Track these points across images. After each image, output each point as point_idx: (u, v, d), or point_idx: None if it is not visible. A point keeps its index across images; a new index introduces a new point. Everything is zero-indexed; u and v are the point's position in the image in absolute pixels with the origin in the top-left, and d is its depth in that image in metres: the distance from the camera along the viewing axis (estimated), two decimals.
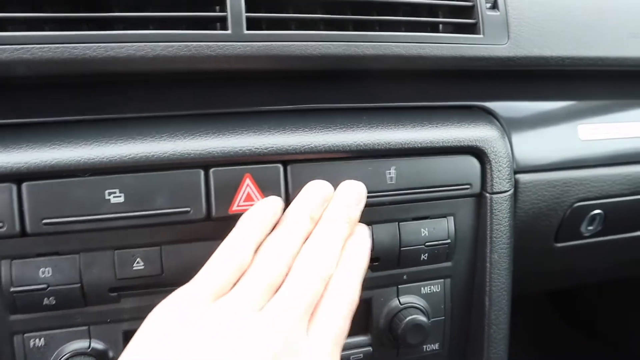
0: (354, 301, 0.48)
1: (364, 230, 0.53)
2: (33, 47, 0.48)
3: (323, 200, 0.52)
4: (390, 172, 0.56)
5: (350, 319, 0.47)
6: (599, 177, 0.70)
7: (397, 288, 0.60)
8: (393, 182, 0.57)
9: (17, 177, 0.48)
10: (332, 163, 0.55)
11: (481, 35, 0.60)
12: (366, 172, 0.56)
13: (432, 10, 0.61)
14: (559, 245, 0.73)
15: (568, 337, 1.36)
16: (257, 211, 0.50)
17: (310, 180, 0.53)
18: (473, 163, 0.60)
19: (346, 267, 0.49)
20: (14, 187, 0.48)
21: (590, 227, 0.73)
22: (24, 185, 0.48)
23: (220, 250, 0.47)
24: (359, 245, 0.51)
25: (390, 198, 0.57)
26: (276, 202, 0.51)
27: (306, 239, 0.49)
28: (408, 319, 0.59)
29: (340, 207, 0.52)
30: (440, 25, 0.61)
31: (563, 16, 0.65)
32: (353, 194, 0.53)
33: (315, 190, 0.52)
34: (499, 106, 0.66)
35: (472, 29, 0.60)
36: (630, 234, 0.77)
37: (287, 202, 0.53)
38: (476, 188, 0.60)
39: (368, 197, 0.55)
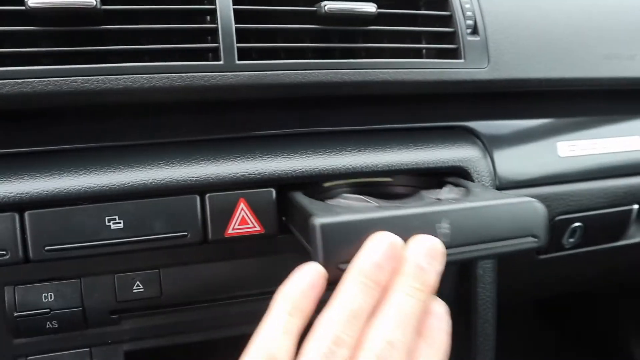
0: None
1: (442, 308, 0.43)
2: (33, 81, 0.50)
3: (390, 258, 0.41)
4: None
5: None
6: (578, 191, 0.73)
7: None
8: None
9: (20, 206, 0.50)
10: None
11: (462, 60, 0.62)
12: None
13: (415, 36, 0.64)
14: (542, 257, 0.75)
15: (557, 347, 1.38)
16: (292, 288, 0.41)
17: None
18: None
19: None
20: (17, 216, 0.50)
21: (571, 239, 0.76)
22: (27, 214, 0.50)
23: (254, 344, 0.39)
24: (439, 330, 0.42)
25: None
26: (313, 271, 0.41)
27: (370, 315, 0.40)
28: None
29: (414, 270, 0.41)
30: (424, 51, 0.64)
31: (541, 40, 0.68)
32: (428, 251, 0.42)
33: (381, 246, 0.41)
34: (481, 125, 0.69)
35: (453, 53, 0.63)
36: (609, 244, 0.80)
37: (280, 224, 0.55)
38: None
39: None
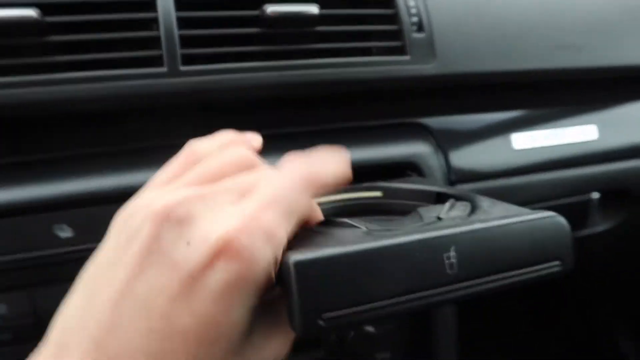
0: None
1: None
2: None
3: None
4: None
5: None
6: (535, 182, 0.74)
7: None
8: None
9: None
10: None
11: (408, 57, 0.63)
12: None
13: (364, 35, 0.65)
14: None
15: (537, 339, 1.39)
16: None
17: None
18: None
19: None
20: None
21: None
22: None
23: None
24: None
25: None
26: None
27: None
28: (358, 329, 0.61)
29: None
30: (374, 50, 0.65)
31: (489, 33, 0.69)
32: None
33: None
34: (433, 121, 0.70)
35: (399, 51, 0.64)
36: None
37: None
38: None
39: None
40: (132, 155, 0.56)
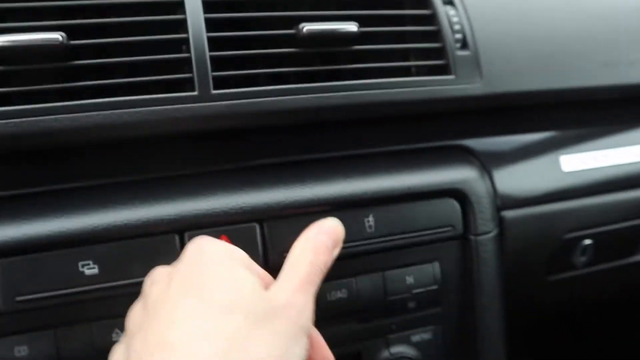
0: None
1: None
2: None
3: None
4: (368, 220, 0.56)
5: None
6: (587, 206, 0.69)
7: (386, 338, 0.59)
8: (372, 230, 0.56)
9: None
10: (310, 217, 0.54)
11: (453, 76, 0.59)
12: (344, 222, 0.54)
13: (403, 54, 0.61)
14: (552, 278, 0.71)
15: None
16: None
17: (287, 236, 0.52)
18: (454, 205, 0.59)
19: None
20: None
21: (583, 258, 0.72)
22: None
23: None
24: None
25: (372, 246, 0.56)
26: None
27: None
28: None
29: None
30: (413, 69, 0.61)
31: (534, 50, 0.65)
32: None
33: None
34: (477, 143, 0.66)
35: (443, 70, 0.60)
36: (622, 260, 0.76)
37: (266, 260, 0.52)
38: (458, 230, 0.59)
39: (348, 247, 0.54)
40: (160, 184, 0.53)
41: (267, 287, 0.42)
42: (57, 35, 0.48)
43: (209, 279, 0.39)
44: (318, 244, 0.47)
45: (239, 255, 0.43)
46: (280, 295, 0.40)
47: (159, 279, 0.42)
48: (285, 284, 0.42)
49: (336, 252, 0.48)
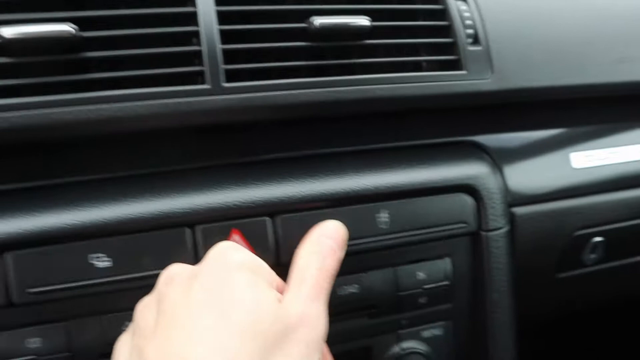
0: None
1: None
2: (10, 115, 0.47)
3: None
4: (381, 216, 0.55)
5: None
6: (597, 204, 0.69)
7: (397, 334, 0.59)
8: (386, 227, 0.55)
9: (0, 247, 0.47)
10: (322, 211, 0.53)
11: (464, 72, 0.59)
12: (357, 217, 0.54)
13: (414, 48, 0.61)
14: (562, 275, 0.71)
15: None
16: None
17: (299, 231, 0.52)
18: (467, 201, 0.59)
19: None
20: None
21: (593, 255, 0.72)
22: (7, 255, 0.47)
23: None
24: None
25: (384, 243, 0.55)
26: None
27: None
28: None
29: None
30: (424, 64, 0.61)
31: (547, 46, 0.65)
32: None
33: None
34: (488, 139, 0.65)
35: (454, 65, 0.60)
36: (633, 258, 0.75)
37: (278, 254, 0.52)
38: (472, 226, 0.59)
39: (361, 243, 0.54)
40: (172, 177, 0.53)
41: (281, 294, 0.42)
42: (68, 27, 0.48)
43: (232, 294, 0.38)
44: (324, 247, 0.46)
45: (262, 269, 0.43)
46: (294, 309, 0.40)
47: (177, 280, 0.41)
48: (297, 295, 0.41)
49: (342, 254, 0.48)
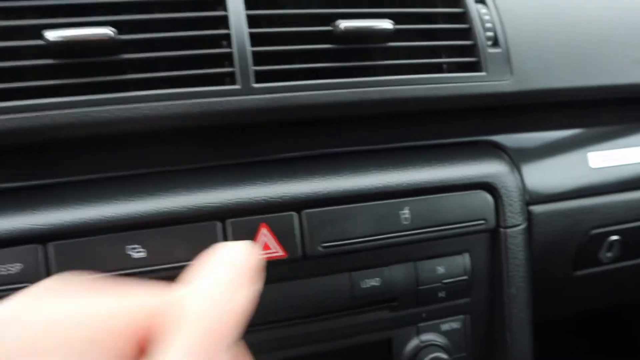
0: None
1: None
2: (53, 113, 0.50)
3: None
4: (404, 213, 0.57)
5: None
6: (614, 203, 0.70)
7: (417, 326, 0.61)
8: (408, 223, 0.57)
9: (43, 238, 0.49)
10: (346, 207, 0.56)
11: (484, 73, 0.61)
12: (380, 214, 0.56)
13: (435, 51, 0.63)
14: (579, 273, 0.72)
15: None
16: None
17: (324, 225, 0.54)
18: (486, 198, 0.61)
19: None
20: (40, 248, 0.49)
21: (609, 254, 0.73)
22: (50, 245, 0.50)
23: None
24: None
25: (406, 238, 0.57)
26: None
27: None
28: (429, 357, 0.59)
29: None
30: (445, 65, 0.63)
31: (565, 48, 0.66)
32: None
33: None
34: (507, 139, 0.67)
35: (475, 67, 0.62)
36: None
37: (304, 248, 0.54)
38: (491, 223, 0.61)
39: (384, 239, 0.56)
40: (203, 174, 0.55)
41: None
42: (108, 31, 0.51)
43: None
44: (221, 282, 0.30)
45: (100, 334, 0.26)
46: None
47: None
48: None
49: (253, 286, 0.32)
